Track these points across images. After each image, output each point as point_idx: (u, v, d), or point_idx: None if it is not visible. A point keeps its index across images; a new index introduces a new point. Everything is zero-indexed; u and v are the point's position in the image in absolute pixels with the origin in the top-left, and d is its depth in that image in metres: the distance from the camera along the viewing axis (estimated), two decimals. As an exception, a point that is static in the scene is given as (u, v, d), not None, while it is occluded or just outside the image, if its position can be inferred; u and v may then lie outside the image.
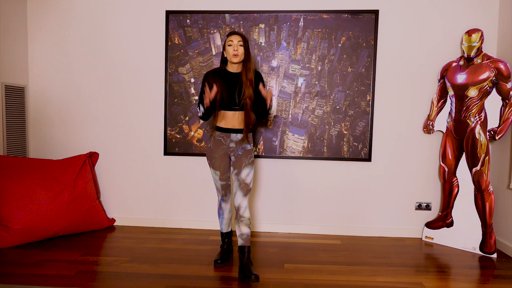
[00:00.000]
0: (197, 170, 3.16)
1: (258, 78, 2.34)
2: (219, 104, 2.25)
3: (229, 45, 2.21)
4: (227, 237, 2.53)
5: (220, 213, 2.48)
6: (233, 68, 2.29)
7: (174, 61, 3.08)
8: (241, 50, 2.21)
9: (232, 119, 2.28)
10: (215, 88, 2.18)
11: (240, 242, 2.26)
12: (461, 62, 2.83)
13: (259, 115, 2.38)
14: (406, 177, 3.07)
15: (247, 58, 2.26)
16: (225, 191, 2.40)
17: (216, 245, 2.78)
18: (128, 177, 3.21)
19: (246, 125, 2.27)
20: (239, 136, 2.29)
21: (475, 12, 2.91)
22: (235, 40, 2.20)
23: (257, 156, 3.09)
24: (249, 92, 2.24)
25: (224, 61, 2.33)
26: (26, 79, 3.18)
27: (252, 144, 2.35)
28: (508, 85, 2.63)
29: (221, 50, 2.26)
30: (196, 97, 3.09)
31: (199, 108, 2.32)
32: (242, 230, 2.25)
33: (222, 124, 2.29)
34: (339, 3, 2.99)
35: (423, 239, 3.02)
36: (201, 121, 3.09)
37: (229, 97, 2.24)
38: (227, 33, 3.02)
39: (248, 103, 2.24)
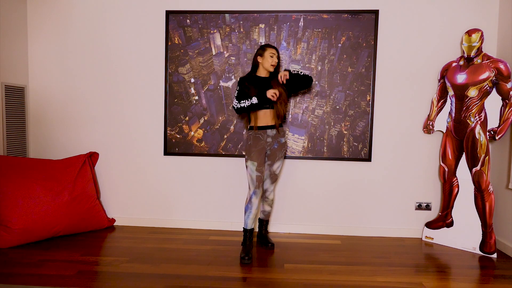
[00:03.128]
0: (197, 170, 3.16)
1: (288, 74, 2.60)
2: (255, 106, 2.54)
3: (271, 56, 2.58)
4: (250, 234, 2.59)
5: (248, 208, 2.56)
6: (261, 73, 2.64)
7: (174, 61, 3.08)
8: (276, 61, 2.60)
9: (266, 116, 2.59)
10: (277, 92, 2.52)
11: (261, 215, 2.85)
12: (461, 62, 2.83)
13: (303, 85, 2.64)
14: (406, 177, 3.07)
15: (277, 67, 2.69)
16: (258, 183, 2.56)
17: (216, 245, 2.78)
18: (128, 177, 3.21)
19: (277, 118, 2.60)
20: (274, 130, 2.62)
21: (475, 12, 2.91)
22: (275, 53, 2.60)
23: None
24: (280, 89, 2.55)
25: (254, 67, 2.66)
26: (26, 79, 3.18)
27: (285, 137, 2.70)
28: (508, 85, 2.63)
29: (255, 58, 2.64)
30: (196, 97, 3.09)
31: (243, 103, 2.54)
32: (265, 208, 2.79)
33: (258, 122, 2.60)
34: (339, 3, 2.99)
35: (423, 239, 3.02)
36: (201, 121, 3.10)
37: (261, 98, 2.51)
38: (227, 33, 3.03)
39: (282, 104, 2.57)
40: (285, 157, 3.08)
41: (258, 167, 2.55)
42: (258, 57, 2.61)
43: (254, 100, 2.52)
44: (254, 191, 2.56)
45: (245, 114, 2.79)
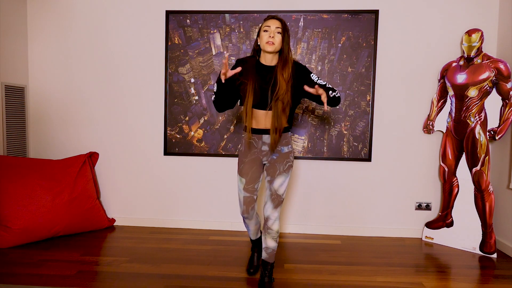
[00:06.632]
0: (197, 170, 3.16)
1: (304, 73, 1.96)
2: (251, 101, 1.91)
3: (264, 31, 1.88)
4: (257, 244, 2.36)
5: (245, 226, 2.22)
6: (266, 59, 1.95)
7: (174, 61, 3.08)
8: (278, 38, 1.87)
9: (263, 118, 1.96)
10: (238, 69, 1.83)
11: (264, 255, 2.07)
12: (461, 62, 2.83)
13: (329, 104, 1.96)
14: (406, 177, 3.07)
15: (286, 50, 1.91)
16: (247, 207, 2.03)
17: (216, 245, 2.79)
18: (128, 177, 3.21)
19: (276, 128, 1.91)
20: None
21: (475, 12, 2.91)
22: (273, 25, 1.87)
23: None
24: (283, 90, 1.87)
25: (257, 51, 2.00)
26: (26, 79, 3.18)
27: (290, 146, 2.03)
28: (508, 85, 2.63)
29: (255, 37, 2.04)
30: (196, 97, 3.09)
31: (213, 95, 1.99)
32: (268, 243, 2.03)
33: (253, 124, 1.99)
34: (339, 3, 2.99)
35: (423, 239, 3.02)
36: (201, 121, 3.09)
37: (261, 93, 1.91)
38: (227, 33, 3.02)
39: (279, 106, 1.88)
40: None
41: (247, 186, 1.99)
42: (258, 38, 1.96)
43: (215, 88, 1.91)
44: (243, 216, 2.07)
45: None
